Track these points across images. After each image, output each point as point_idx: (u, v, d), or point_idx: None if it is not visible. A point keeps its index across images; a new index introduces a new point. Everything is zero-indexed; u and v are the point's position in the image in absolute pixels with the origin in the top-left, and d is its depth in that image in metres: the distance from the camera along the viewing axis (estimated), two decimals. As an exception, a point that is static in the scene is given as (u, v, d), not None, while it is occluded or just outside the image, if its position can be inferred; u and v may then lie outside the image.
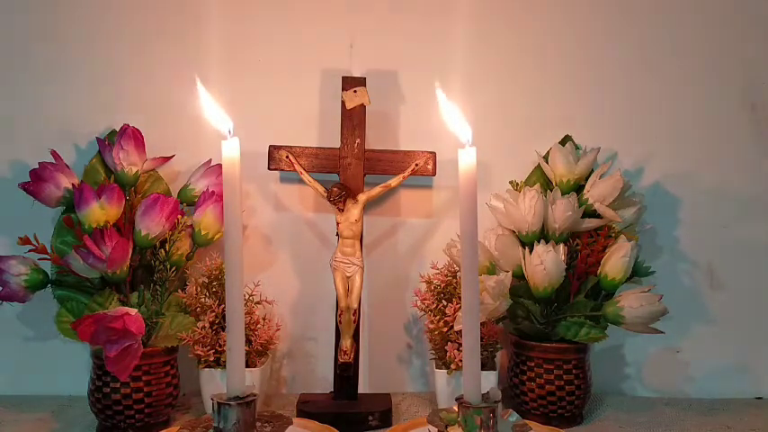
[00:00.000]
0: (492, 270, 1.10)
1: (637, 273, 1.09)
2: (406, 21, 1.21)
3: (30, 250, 1.04)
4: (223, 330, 1.04)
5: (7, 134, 1.18)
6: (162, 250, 1.06)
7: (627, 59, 1.23)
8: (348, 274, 1.08)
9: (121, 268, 1.02)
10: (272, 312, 1.17)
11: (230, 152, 0.80)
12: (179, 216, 1.07)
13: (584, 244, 1.10)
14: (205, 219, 1.09)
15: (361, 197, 1.10)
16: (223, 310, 1.03)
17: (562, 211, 1.07)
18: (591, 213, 1.11)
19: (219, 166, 1.12)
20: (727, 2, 1.23)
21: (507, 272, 1.07)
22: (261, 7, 1.20)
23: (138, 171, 1.09)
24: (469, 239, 0.79)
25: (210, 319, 1.05)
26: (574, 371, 1.07)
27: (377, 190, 1.11)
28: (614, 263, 1.06)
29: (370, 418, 1.06)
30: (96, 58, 1.18)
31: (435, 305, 1.08)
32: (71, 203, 1.06)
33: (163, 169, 1.16)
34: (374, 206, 1.20)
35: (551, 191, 1.11)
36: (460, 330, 1.01)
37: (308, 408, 1.06)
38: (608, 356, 1.24)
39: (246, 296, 1.08)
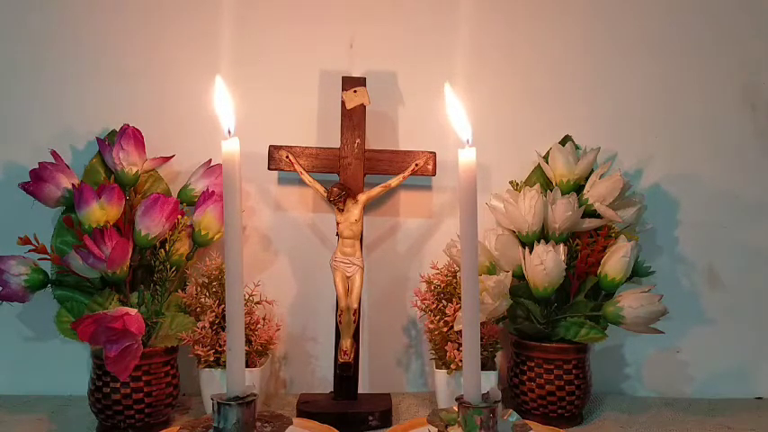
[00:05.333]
0: (492, 270, 1.10)
1: (637, 273, 1.09)
2: (406, 21, 1.21)
3: (30, 250, 1.04)
4: (223, 330, 1.04)
5: (7, 134, 1.18)
6: (162, 250, 1.06)
7: (627, 59, 1.23)
8: (348, 274, 1.08)
9: (121, 268, 1.02)
10: (272, 312, 1.17)
11: (230, 152, 0.80)
12: (179, 216, 1.07)
13: (585, 244, 1.10)
14: (205, 219, 1.09)
15: (361, 197, 1.10)
16: (223, 310, 1.03)
17: (562, 211, 1.07)
18: (591, 213, 1.11)
19: (219, 166, 1.12)
20: (727, 2, 1.23)
21: (507, 272, 1.07)
22: (261, 8, 1.20)
23: (138, 171, 1.09)
24: (469, 239, 0.79)
25: (210, 319, 1.05)
26: (574, 371, 1.07)
27: (377, 190, 1.11)
28: (614, 263, 1.06)
29: (370, 418, 1.06)
30: (96, 59, 1.18)
31: (435, 305, 1.08)
32: (71, 203, 1.06)
33: (163, 169, 1.16)
34: (374, 206, 1.20)
35: (551, 191, 1.11)
36: (460, 330, 1.01)
37: (308, 408, 1.06)
38: (608, 356, 1.24)
39: (246, 296, 1.08)
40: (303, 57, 1.20)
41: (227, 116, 0.82)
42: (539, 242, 1.06)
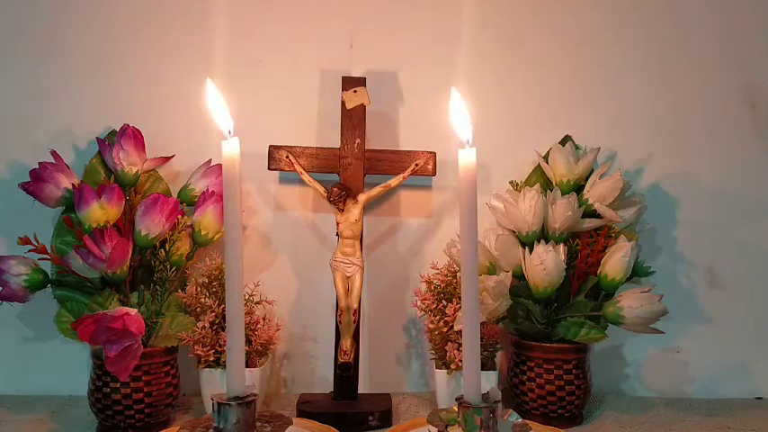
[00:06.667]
0: (492, 270, 1.10)
1: (637, 273, 1.09)
2: (407, 21, 1.21)
3: (30, 250, 1.04)
4: (223, 330, 1.04)
5: (7, 134, 1.18)
6: (162, 250, 1.06)
7: (627, 59, 1.23)
8: (348, 274, 1.08)
9: (121, 268, 1.02)
10: (272, 312, 1.17)
11: (230, 152, 0.80)
12: (179, 216, 1.07)
13: (584, 244, 1.10)
14: (205, 219, 1.09)
15: (362, 197, 1.10)
16: (223, 310, 1.03)
17: (562, 211, 1.07)
18: (591, 213, 1.11)
19: (219, 166, 1.12)
20: (727, 2, 1.23)
21: (507, 272, 1.07)
22: (261, 7, 1.20)
23: (138, 171, 1.09)
24: (469, 239, 0.79)
25: (210, 319, 1.05)
26: (574, 371, 1.07)
27: (377, 190, 1.11)
28: (614, 263, 1.06)
29: (370, 418, 1.06)
30: (97, 58, 1.18)
31: (435, 305, 1.08)
32: (71, 203, 1.06)
33: (163, 169, 1.16)
34: (374, 206, 1.20)
35: (551, 191, 1.11)
36: (460, 330, 1.01)
37: (308, 408, 1.06)
38: (608, 356, 1.24)
39: (246, 296, 1.08)
40: (303, 56, 1.20)
41: (224, 118, 0.82)
42: (539, 242, 1.06)
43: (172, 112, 1.18)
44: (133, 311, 0.98)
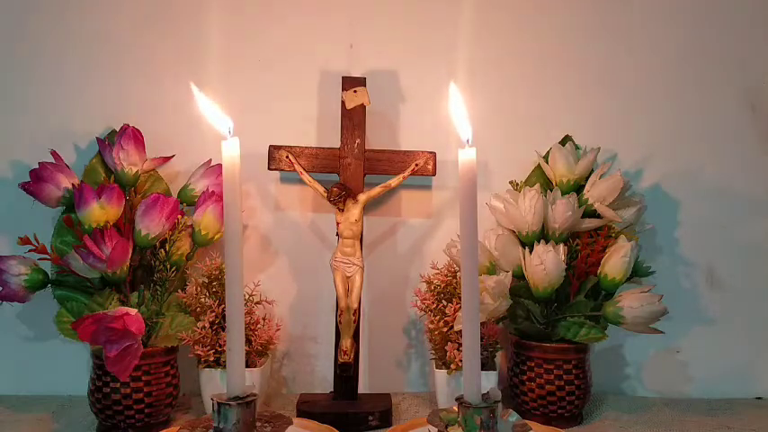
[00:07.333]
0: (492, 270, 1.10)
1: (637, 273, 1.09)
2: (407, 21, 1.21)
3: (30, 250, 1.04)
4: (223, 330, 1.04)
5: (7, 134, 1.18)
6: (162, 250, 1.06)
7: (627, 59, 1.23)
8: (348, 274, 1.08)
9: (121, 268, 1.02)
10: (272, 312, 1.17)
11: (230, 152, 0.80)
12: (179, 216, 1.07)
13: (584, 244, 1.10)
14: (205, 219, 1.09)
15: (361, 197, 1.10)
16: (223, 310, 1.03)
17: (562, 211, 1.07)
18: (591, 213, 1.11)
19: (219, 166, 1.12)
20: (727, 2, 1.23)
21: (507, 272, 1.07)
22: (261, 7, 1.20)
23: (138, 171, 1.09)
24: (469, 239, 0.79)
25: (210, 319, 1.05)
26: (574, 371, 1.07)
27: (377, 190, 1.11)
28: (614, 263, 1.06)
29: (370, 418, 1.06)
30: (97, 59, 1.18)
31: (435, 305, 1.08)
32: (71, 203, 1.06)
33: (163, 169, 1.16)
34: (374, 206, 1.20)
35: (551, 191, 1.11)
36: (460, 330, 1.01)
37: (307, 408, 1.06)
38: (608, 356, 1.24)
39: (246, 296, 1.08)
40: (303, 57, 1.20)
41: (220, 119, 0.82)
42: (539, 242, 1.06)
43: (172, 112, 1.18)
44: (133, 311, 0.98)
